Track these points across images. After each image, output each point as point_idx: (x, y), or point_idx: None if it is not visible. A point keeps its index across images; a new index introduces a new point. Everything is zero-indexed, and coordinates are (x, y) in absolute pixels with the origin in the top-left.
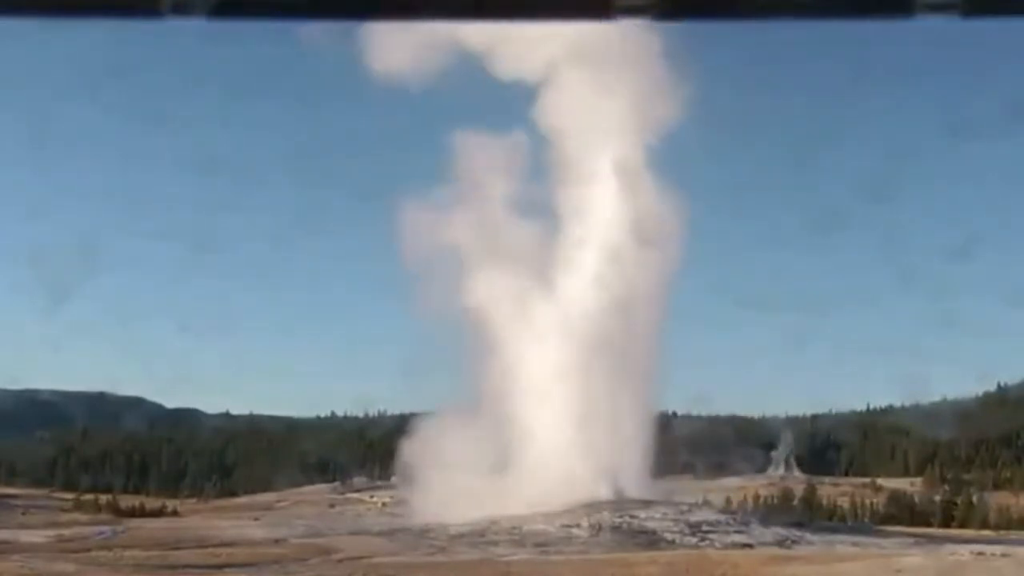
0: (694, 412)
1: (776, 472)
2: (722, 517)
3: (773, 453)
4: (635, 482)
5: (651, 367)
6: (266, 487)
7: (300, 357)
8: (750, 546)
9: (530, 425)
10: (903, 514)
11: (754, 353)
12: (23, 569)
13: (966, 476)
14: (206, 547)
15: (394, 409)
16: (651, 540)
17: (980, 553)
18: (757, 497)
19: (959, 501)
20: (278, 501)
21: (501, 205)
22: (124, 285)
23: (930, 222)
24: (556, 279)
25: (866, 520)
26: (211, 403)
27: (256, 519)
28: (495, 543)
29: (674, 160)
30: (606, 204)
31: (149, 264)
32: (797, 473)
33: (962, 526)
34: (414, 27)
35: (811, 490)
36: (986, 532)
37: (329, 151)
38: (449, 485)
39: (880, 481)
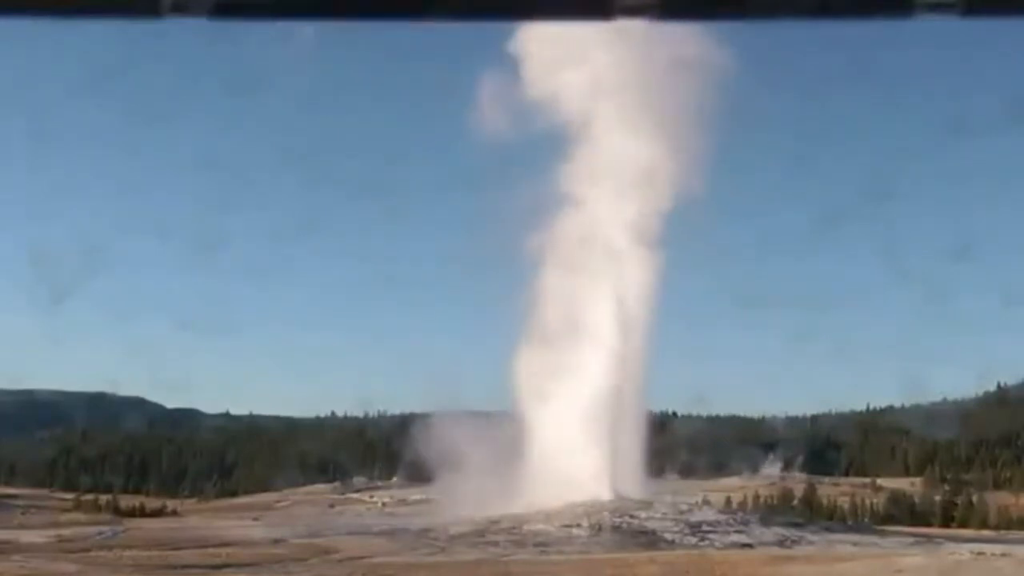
0: (694, 412)
1: (775, 472)
2: (722, 517)
3: (771, 454)
4: (635, 482)
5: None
6: (266, 487)
7: (300, 357)
8: (750, 546)
9: (531, 424)
10: (903, 514)
11: (754, 353)
12: (23, 569)
13: (966, 476)
14: (206, 547)
15: (394, 409)
16: (651, 540)
17: (980, 553)
18: (757, 497)
19: (959, 501)
20: (278, 501)
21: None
22: (124, 284)
23: (930, 222)
24: (557, 279)
25: (866, 520)
26: (211, 403)
27: (256, 519)
28: (495, 543)
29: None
30: (605, 204)
31: (149, 263)
32: (797, 473)
33: (962, 526)
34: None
35: (811, 490)
36: (986, 532)
37: (330, 151)
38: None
39: (880, 481)
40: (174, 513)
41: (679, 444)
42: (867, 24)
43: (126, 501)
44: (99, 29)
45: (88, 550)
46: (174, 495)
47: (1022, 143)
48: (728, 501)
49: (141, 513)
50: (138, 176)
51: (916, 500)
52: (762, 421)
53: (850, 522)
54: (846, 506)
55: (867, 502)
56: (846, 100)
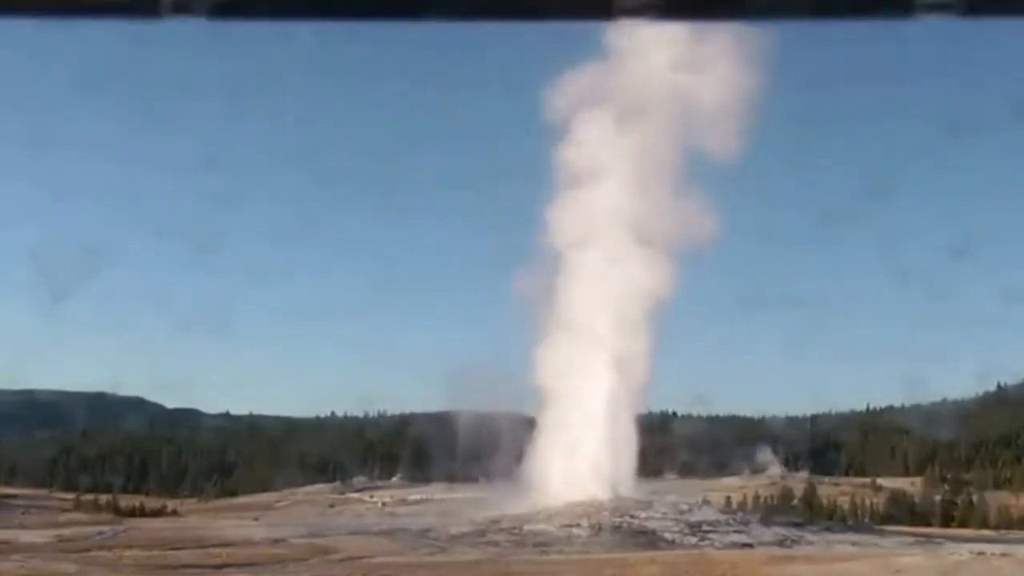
0: (694, 412)
1: (775, 472)
2: (722, 517)
3: (771, 454)
4: (635, 482)
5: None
6: (266, 487)
7: (300, 357)
8: (750, 546)
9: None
10: (903, 514)
11: (754, 352)
12: (23, 569)
13: (966, 476)
14: (206, 547)
15: (394, 409)
16: (651, 540)
17: (980, 553)
18: (757, 497)
19: (959, 501)
20: (278, 501)
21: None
22: (124, 284)
23: (930, 221)
24: (556, 280)
25: (866, 520)
26: (211, 403)
27: (256, 519)
28: (495, 543)
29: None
30: (606, 204)
31: (149, 263)
32: (797, 473)
33: (962, 526)
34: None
35: (811, 490)
36: (986, 532)
37: (330, 151)
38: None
39: (880, 481)
40: (174, 513)
41: (679, 444)
42: (867, 23)
43: (126, 501)
44: (99, 29)
45: (88, 550)
46: (174, 495)
47: (1022, 143)
48: (728, 501)
49: (141, 513)
50: (138, 176)
51: (916, 500)
52: (762, 421)
53: (850, 522)
54: (846, 506)
55: (867, 502)
56: (846, 98)
